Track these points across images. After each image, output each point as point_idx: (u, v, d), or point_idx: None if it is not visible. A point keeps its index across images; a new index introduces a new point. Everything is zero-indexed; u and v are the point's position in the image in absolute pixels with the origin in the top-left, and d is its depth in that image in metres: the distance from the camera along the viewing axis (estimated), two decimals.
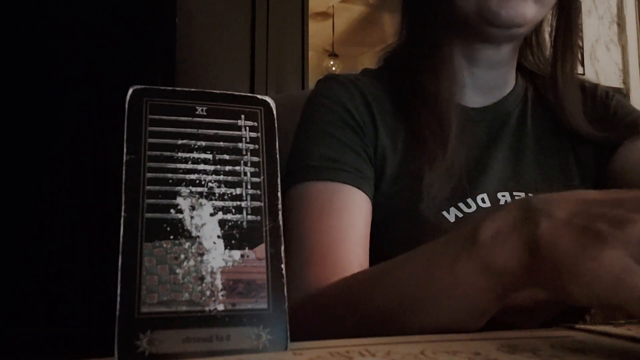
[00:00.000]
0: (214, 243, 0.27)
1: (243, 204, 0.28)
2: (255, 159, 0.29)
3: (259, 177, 0.28)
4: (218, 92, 0.29)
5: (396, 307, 0.36)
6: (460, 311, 0.33)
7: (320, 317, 0.44)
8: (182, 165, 0.27)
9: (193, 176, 0.27)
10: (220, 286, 0.26)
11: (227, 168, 0.28)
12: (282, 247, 0.28)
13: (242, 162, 0.28)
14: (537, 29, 0.64)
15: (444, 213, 0.54)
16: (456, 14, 0.56)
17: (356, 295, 0.40)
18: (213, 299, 0.26)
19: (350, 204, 0.53)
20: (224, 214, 0.27)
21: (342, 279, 0.45)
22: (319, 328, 0.41)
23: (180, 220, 0.26)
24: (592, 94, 0.66)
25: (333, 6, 4.13)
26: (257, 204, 0.28)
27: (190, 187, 0.27)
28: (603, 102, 0.65)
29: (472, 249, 0.32)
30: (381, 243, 0.54)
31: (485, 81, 0.61)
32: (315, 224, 0.52)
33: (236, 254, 0.27)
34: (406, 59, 0.62)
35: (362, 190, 0.54)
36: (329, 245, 0.50)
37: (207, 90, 0.29)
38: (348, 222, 0.52)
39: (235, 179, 0.28)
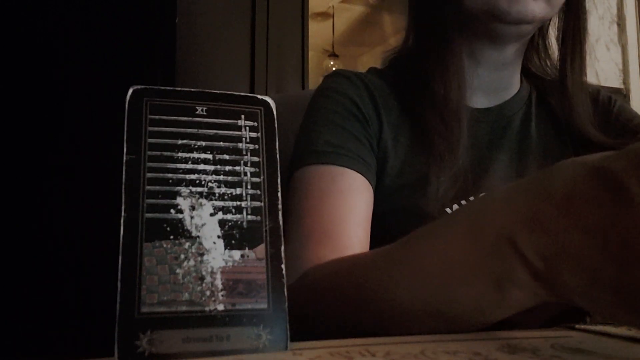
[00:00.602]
0: (214, 243, 0.27)
1: (243, 204, 0.28)
2: (256, 159, 0.29)
3: (259, 177, 0.28)
4: (218, 92, 0.29)
5: (403, 312, 0.33)
6: (476, 324, 0.31)
7: (313, 300, 0.41)
8: (182, 165, 0.27)
9: (193, 176, 0.27)
10: (220, 286, 0.26)
11: (227, 168, 0.28)
12: (282, 247, 0.28)
13: (242, 162, 0.28)
14: (544, 31, 0.64)
15: (447, 210, 0.54)
16: (464, 13, 0.56)
17: (358, 290, 0.36)
18: (213, 299, 0.26)
19: (352, 187, 0.53)
20: (224, 214, 0.27)
21: (345, 262, 0.42)
22: (312, 310, 0.40)
23: (180, 220, 0.26)
24: (594, 98, 0.66)
25: (333, 6, 4.13)
26: (257, 204, 0.28)
27: (191, 187, 0.27)
28: (605, 107, 0.65)
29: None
30: (382, 237, 0.54)
31: (490, 82, 0.61)
32: (317, 205, 0.51)
33: (236, 254, 0.27)
34: (413, 60, 0.62)
35: (364, 176, 0.54)
36: (330, 225, 0.50)
37: (207, 90, 0.29)
38: (349, 204, 0.52)
39: (235, 179, 0.28)
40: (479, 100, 0.62)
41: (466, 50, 0.60)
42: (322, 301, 0.40)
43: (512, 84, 0.64)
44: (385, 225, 0.55)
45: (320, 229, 0.50)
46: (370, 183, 0.55)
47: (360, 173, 0.54)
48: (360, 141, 0.56)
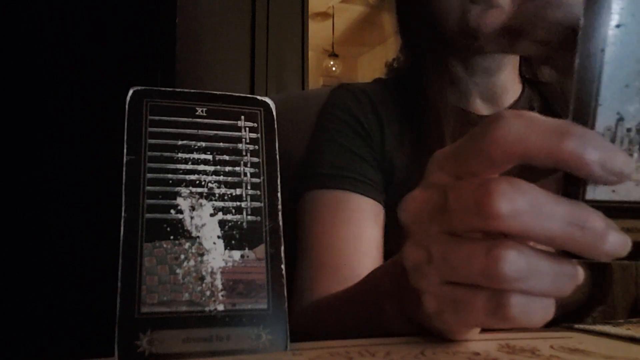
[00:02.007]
0: (214, 243, 0.27)
1: (243, 204, 0.28)
2: (255, 159, 0.29)
3: (259, 177, 0.28)
4: (218, 93, 0.29)
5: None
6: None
7: (315, 328, 0.47)
8: (182, 166, 0.27)
9: (193, 177, 0.27)
10: (220, 286, 0.26)
11: (227, 169, 0.28)
12: (282, 248, 0.28)
13: (242, 162, 0.29)
14: None
15: None
16: (444, 32, 0.57)
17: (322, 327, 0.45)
18: (213, 299, 0.26)
19: (358, 212, 0.54)
20: (224, 214, 0.27)
21: (320, 305, 0.49)
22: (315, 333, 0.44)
23: (180, 221, 0.26)
24: None
25: (333, 6, 4.14)
26: (257, 204, 0.28)
27: (190, 188, 0.27)
28: None
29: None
30: (395, 242, 0.55)
31: (487, 88, 0.62)
32: (324, 237, 0.54)
33: (236, 254, 0.27)
34: (410, 69, 0.63)
35: (370, 197, 0.55)
36: (337, 258, 0.52)
37: (207, 91, 0.29)
38: (356, 233, 0.53)
39: (235, 179, 0.28)
40: (481, 108, 0.63)
41: (459, 61, 0.61)
42: (322, 327, 0.46)
43: (511, 88, 0.64)
44: (396, 231, 0.56)
45: (329, 263, 0.52)
46: (377, 201, 0.56)
47: (366, 195, 0.55)
48: (365, 160, 0.57)
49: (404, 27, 0.65)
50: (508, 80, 0.63)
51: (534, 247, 0.23)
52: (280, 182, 0.29)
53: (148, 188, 0.26)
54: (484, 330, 0.33)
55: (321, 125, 0.62)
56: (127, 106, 0.28)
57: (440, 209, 0.25)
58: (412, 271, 0.27)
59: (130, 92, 0.28)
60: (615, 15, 0.22)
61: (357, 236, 0.53)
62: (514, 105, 0.64)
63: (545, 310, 0.24)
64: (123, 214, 0.26)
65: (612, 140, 0.23)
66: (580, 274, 0.24)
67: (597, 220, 0.22)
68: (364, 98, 0.62)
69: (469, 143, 0.24)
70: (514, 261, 0.22)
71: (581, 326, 0.35)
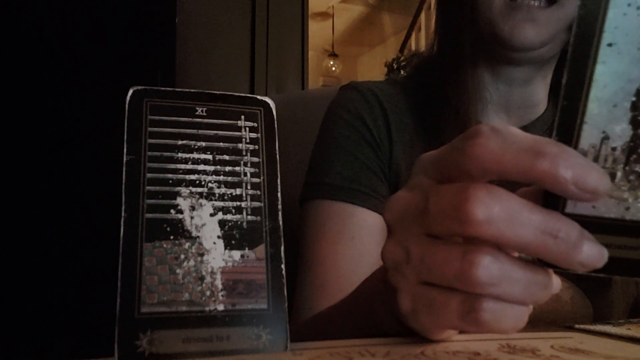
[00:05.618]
0: (214, 243, 0.27)
1: (243, 204, 0.28)
2: (255, 159, 0.29)
3: (259, 177, 0.28)
4: (218, 92, 0.29)
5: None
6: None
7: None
8: (182, 166, 0.27)
9: (193, 177, 0.27)
10: (220, 286, 0.26)
11: (227, 168, 0.28)
12: (282, 247, 0.28)
13: (242, 162, 0.28)
14: None
15: None
16: (480, 35, 0.55)
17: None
18: (213, 299, 0.26)
19: (364, 229, 0.53)
20: (224, 214, 0.27)
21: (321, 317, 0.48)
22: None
23: (181, 221, 0.26)
24: None
25: (333, 6, 4.14)
26: (257, 204, 0.28)
27: (190, 188, 0.27)
28: None
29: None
30: None
31: (511, 99, 0.60)
32: (330, 251, 0.53)
33: (236, 254, 0.27)
34: (434, 70, 0.61)
35: (377, 212, 0.54)
36: (341, 278, 0.51)
37: (207, 91, 0.29)
38: (361, 251, 0.52)
39: (235, 179, 0.28)
40: (501, 120, 0.60)
41: (486, 66, 0.59)
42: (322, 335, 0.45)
43: (536, 104, 0.61)
44: None
45: (330, 285, 0.52)
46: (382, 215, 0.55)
47: (373, 210, 0.54)
48: (372, 171, 0.56)
49: (444, 19, 0.62)
50: (535, 93, 0.61)
51: (512, 254, 0.24)
52: (281, 182, 0.29)
53: (148, 188, 0.26)
54: None
55: (329, 128, 0.59)
56: (127, 106, 0.28)
57: (421, 211, 0.25)
58: (390, 269, 0.27)
59: (130, 92, 0.28)
60: (607, 34, 0.22)
61: (361, 255, 0.52)
62: (536, 122, 0.61)
63: (517, 317, 0.24)
64: (123, 214, 0.26)
65: (596, 159, 0.23)
66: (554, 283, 0.24)
67: (571, 230, 0.22)
68: (375, 102, 0.59)
69: (450, 154, 0.25)
70: (488, 266, 0.23)
71: (582, 326, 0.35)
